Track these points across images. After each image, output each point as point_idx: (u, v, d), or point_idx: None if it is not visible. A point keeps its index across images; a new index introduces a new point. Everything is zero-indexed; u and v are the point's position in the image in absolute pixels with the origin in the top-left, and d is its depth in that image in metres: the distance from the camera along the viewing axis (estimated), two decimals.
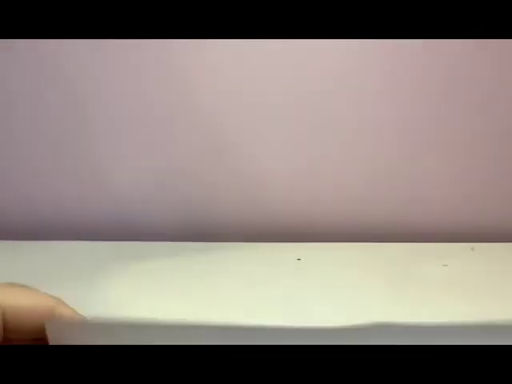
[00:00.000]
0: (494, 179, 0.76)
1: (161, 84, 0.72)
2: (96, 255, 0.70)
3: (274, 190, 0.76)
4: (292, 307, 0.60)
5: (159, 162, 0.75)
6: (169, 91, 0.72)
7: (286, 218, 0.77)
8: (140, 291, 0.64)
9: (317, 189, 0.76)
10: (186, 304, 0.61)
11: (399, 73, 0.72)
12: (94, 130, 0.75)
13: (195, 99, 0.73)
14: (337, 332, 0.28)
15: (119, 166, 0.76)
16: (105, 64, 0.72)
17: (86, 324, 0.33)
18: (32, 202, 0.77)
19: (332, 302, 0.61)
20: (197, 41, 0.69)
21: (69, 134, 0.74)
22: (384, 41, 0.69)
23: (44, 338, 0.32)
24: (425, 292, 0.62)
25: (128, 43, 0.70)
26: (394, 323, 0.28)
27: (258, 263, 0.68)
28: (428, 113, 0.73)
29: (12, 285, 0.34)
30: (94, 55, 0.71)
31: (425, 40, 0.69)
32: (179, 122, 0.74)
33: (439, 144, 0.74)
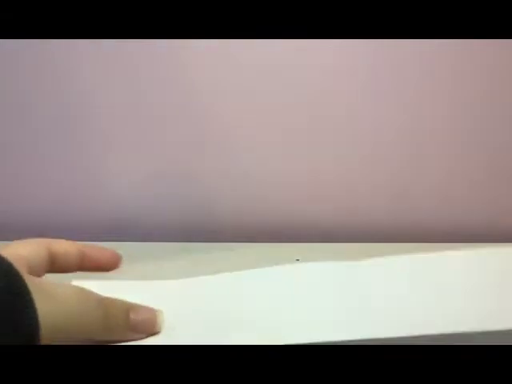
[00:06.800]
0: (493, 179, 0.75)
1: (161, 84, 0.72)
2: None
3: (274, 190, 0.76)
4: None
5: (159, 162, 0.75)
6: (169, 92, 0.72)
7: (285, 217, 0.77)
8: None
9: (317, 188, 0.76)
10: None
11: (402, 72, 0.72)
12: (93, 129, 0.74)
13: (196, 100, 0.73)
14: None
15: (119, 166, 0.76)
16: (102, 63, 0.72)
17: None
18: (31, 201, 0.77)
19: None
20: (197, 41, 0.69)
21: (69, 134, 0.74)
22: (386, 41, 0.69)
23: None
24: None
25: (128, 43, 0.69)
26: None
27: (257, 263, 0.68)
28: (427, 113, 0.73)
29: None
30: (92, 54, 0.71)
31: (429, 39, 0.69)
32: (179, 123, 0.74)
33: (440, 144, 0.74)
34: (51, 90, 0.73)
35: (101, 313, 0.35)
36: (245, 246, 0.72)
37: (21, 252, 0.37)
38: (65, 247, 0.40)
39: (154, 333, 0.38)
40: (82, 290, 0.36)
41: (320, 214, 0.77)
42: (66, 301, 0.33)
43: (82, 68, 0.72)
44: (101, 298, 0.36)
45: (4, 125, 0.74)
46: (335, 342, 0.36)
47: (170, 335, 0.39)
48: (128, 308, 0.38)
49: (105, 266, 0.41)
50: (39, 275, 0.38)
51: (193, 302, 0.45)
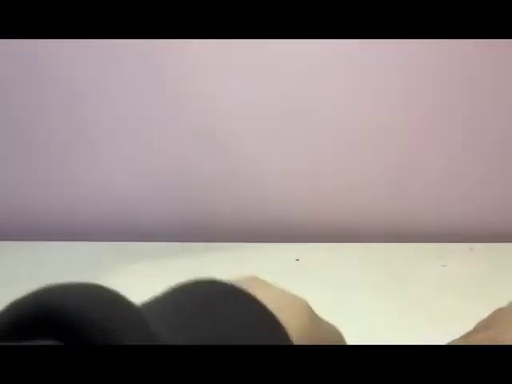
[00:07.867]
0: (493, 179, 0.76)
1: (162, 85, 0.72)
2: (96, 255, 0.70)
3: (274, 190, 0.76)
4: None
5: (159, 162, 0.76)
6: (170, 92, 0.72)
7: (285, 218, 0.77)
8: (140, 292, 0.64)
9: (317, 189, 0.76)
10: None
11: (399, 73, 0.72)
12: (94, 130, 0.75)
13: (196, 100, 0.73)
14: None
15: (119, 166, 0.76)
16: (105, 65, 0.72)
17: None
18: (31, 201, 0.77)
19: (330, 302, 0.61)
20: (198, 41, 0.69)
21: (69, 134, 0.75)
22: (385, 41, 0.69)
23: None
24: (424, 292, 0.62)
25: (131, 43, 0.70)
26: None
27: (257, 263, 0.68)
28: (426, 113, 0.73)
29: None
30: (95, 56, 0.71)
31: (425, 40, 0.69)
32: (179, 123, 0.74)
33: (439, 143, 0.74)
34: (54, 90, 0.73)
35: None
36: (245, 246, 0.72)
37: None
38: None
39: None
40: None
41: (320, 214, 0.77)
42: None
43: (83, 68, 0.72)
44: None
45: (5, 125, 0.75)
46: None
47: None
48: None
49: None
50: None
51: None
